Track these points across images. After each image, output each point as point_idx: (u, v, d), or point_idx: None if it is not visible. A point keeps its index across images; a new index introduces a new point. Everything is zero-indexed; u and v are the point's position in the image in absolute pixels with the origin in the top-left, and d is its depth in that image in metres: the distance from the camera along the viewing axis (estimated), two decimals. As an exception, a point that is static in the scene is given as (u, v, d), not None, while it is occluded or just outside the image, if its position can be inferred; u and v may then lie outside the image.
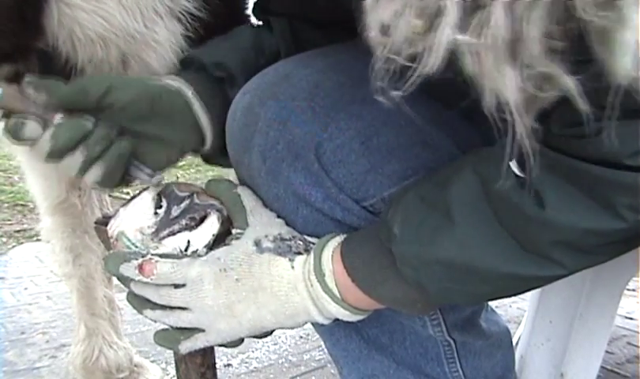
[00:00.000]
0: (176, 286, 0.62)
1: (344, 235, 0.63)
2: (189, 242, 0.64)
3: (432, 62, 0.40)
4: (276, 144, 0.64)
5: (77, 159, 0.64)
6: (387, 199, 0.64)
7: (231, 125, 0.69)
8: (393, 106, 0.66)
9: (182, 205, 0.66)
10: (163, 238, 0.65)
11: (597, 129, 0.44)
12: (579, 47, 0.39)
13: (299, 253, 0.62)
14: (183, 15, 0.79)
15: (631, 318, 1.88)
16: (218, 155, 0.76)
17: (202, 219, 0.65)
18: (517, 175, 0.50)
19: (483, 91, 0.41)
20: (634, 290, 2.03)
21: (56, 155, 0.64)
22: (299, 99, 0.64)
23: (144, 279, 0.62)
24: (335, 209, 0.65)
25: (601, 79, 0.39)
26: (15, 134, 0.63)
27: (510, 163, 0.49)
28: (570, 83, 0.39)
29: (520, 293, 0.59)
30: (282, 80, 0.66)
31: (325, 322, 0.63)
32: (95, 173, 0.66)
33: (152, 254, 0.63)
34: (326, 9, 0.78)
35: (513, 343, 1.18)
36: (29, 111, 0.62)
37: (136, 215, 0.67)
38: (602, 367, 1.41)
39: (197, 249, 0.63)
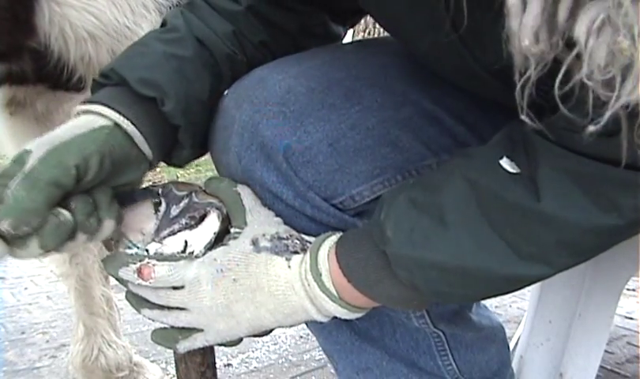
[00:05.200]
0: (175, 287, 0.62)
1: (340, 234, 0.63)
2: (189, 241, 0.64)
3: (634, 90, 0.35)
4: (250, 146, 0.66)
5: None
6: (356, 196, 0.66)
7: (212, 127, 0.72)
8: (360, 111, 0.65)
9: (181, 204, 0.66)
10: (164, 237, 0.65)
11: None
12: None
13: (296, 252, 0.62)
14: (169, 10, 0.79)
15: (631, 318, 1.88)
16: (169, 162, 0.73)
17: (202, 218, 0.65)
18: (509, 173, 0.50)
19: None
20: (634, 290, 2.03)
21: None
22: (272, 104, 0.66)
23: (143, 283, 0.62)
24: (305, 207, 0.66)
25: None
26: None
27: (501, 161, 0.49)
28: None
29: (514, 291, 0.60)
30: (257, 84, 0.68)
31: (324, 320, 0.63)
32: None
33: (151, 256, 0.63)
34: None
35: (513, 343, 1.18)
36: None
37: (135, 216, 0.67)
38: (602, 367, 1.42)
39: (196, 250, 0.63)
